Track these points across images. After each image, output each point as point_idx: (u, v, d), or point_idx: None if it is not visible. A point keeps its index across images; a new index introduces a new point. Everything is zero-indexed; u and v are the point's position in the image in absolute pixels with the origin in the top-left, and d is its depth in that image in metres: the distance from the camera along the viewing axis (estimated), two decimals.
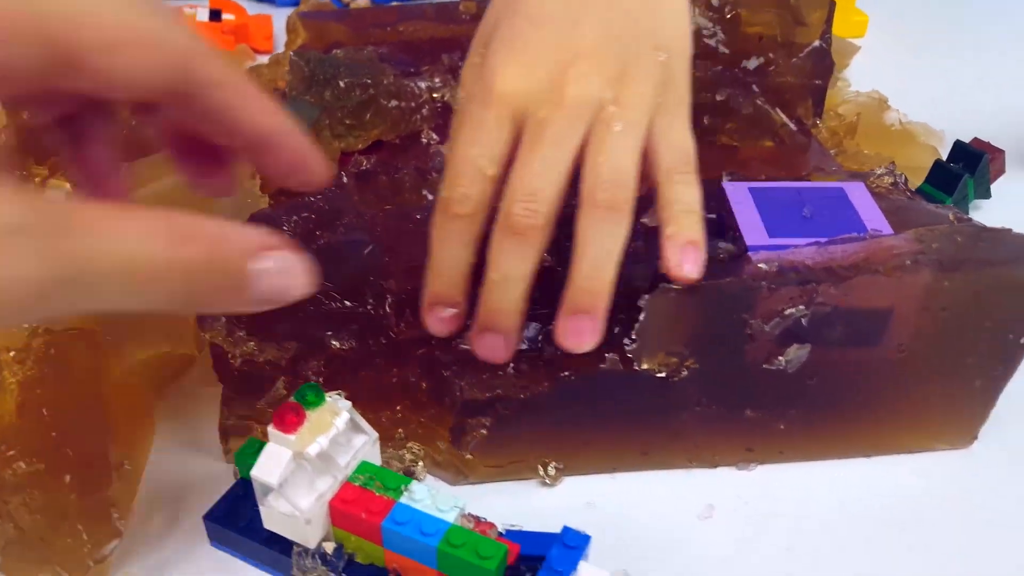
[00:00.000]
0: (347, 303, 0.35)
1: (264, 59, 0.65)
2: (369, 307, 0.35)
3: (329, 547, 0.31)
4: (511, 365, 0.34)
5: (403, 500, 0.30)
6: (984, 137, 0.54)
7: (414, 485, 0.30)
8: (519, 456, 0.37)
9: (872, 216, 0.36)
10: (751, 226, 0.36)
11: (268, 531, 0.31)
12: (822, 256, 0.34)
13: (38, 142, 0.48)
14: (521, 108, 0.31)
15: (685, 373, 0.34)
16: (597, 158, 0.31)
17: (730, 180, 0.38)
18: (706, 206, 0.38)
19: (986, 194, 0.53)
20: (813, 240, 0.35)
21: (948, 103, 0.65)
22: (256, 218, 0.38)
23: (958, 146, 0.52)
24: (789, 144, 0.51)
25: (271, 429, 0.29)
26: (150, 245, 0.21)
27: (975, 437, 0.39)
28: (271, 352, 0.34)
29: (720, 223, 0.37)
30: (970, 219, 0.37)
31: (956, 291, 0.33)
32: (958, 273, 0.33)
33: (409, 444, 0.36)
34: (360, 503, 0.29)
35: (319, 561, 0.31)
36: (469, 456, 0.36)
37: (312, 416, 0.29)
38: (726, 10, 0.50)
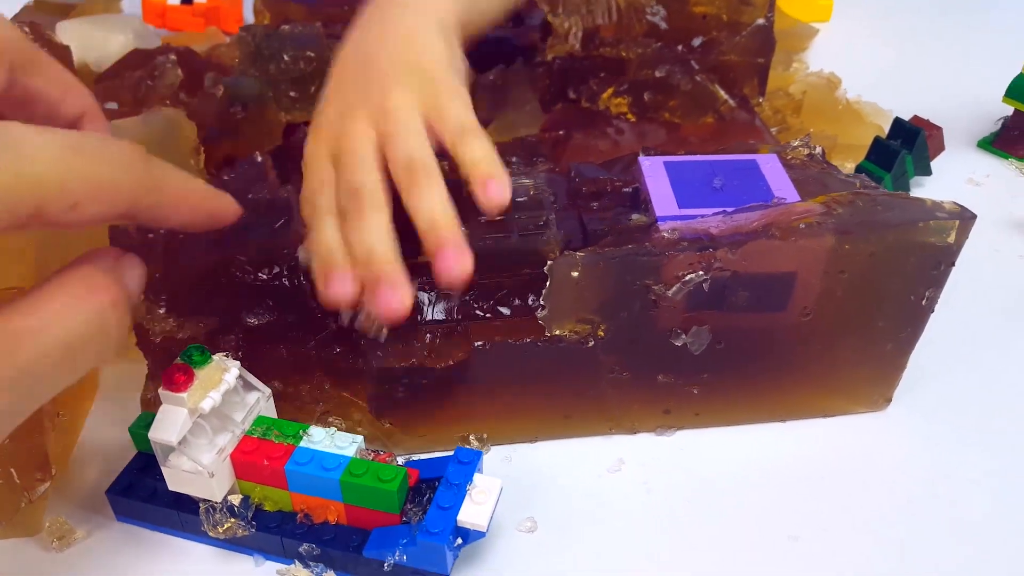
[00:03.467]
0: (261, 276, 0.36)
1: None
2: (284, 280, 0.36)
3: (236, 499, 0.32)
4: (427, 335, 0.35)
5: (303, 444, 0.31)
6: (936, 116, 0.55)
7: (312, 429, 0.32)
8: (440, 425, 0.38)
9: (781, 185, 0.37)
10: (662, 198, 0.37)
11: (173, 495, 0.32)
12: (726, 224, 0.35)
13: None
14: (332, 145, 0.37)
15: (592, 343, 0.35)
16: (395, 153, 0.35)
17: (646, 155, 0.40)
18: (623, 180, 0.39)
19: (926, 171, 0.53)
20: (720, 209, 0.36)
21: (906, 84, 0.66)
22: None
23: (897, 123, 0.52)
24: (730, 121, 0.52)
25: (162, 390, 0.30)
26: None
27: (889, 400, 0.40)
28: (190, 329, 0.35)
29: (635, 196, 0.39)
30: (876, 186, 0.38)
31: (855, 255, 0.34)
32: (854, 236, 0.34)
33: (331, 419, 0.37)
34: (261, 451, 0.31)
35: (228, 514, 0.32)
36: (388, 425, 0.37)
37: (201, 374, 0.30)
38: None
